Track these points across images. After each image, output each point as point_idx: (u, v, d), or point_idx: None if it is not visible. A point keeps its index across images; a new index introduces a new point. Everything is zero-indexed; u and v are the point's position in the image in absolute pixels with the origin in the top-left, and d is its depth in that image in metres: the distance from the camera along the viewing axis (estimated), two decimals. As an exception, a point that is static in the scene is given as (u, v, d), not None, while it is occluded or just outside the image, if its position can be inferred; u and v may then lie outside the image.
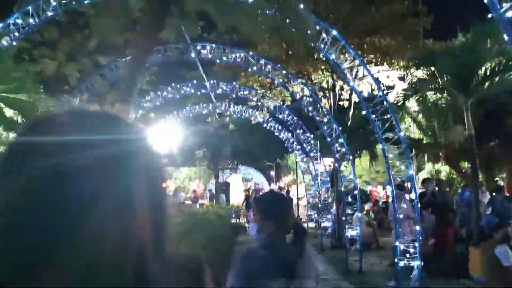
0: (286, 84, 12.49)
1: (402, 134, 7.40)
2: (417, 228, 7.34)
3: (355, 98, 13.06)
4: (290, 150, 18.24)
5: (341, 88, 14.81)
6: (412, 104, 13.83)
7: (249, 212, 17.56)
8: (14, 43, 6.84)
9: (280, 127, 17.00)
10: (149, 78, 15.32)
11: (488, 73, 9.34)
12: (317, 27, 7.48)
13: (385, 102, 7.37)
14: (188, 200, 18.29)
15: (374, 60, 13.48)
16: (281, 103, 15.33)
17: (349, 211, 10.48)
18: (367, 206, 16.67)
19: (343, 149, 10.29)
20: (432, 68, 9.88)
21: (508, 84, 9.53)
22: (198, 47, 10.71)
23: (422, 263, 7.05)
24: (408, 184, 9.25)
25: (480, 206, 9.64)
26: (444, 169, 17.50)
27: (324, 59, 11.41)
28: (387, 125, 7.29)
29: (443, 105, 12.52)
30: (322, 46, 7.55)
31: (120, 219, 0.56)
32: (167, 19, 7.53)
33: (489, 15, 3.62)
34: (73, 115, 0.64)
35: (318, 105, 11.33)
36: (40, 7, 6.84)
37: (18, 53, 11.63)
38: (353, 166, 10.41)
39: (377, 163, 17.13)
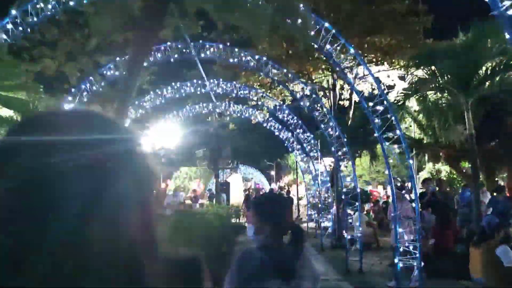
0: (286, 84, 12.48)
1: (402, 133, 7.38)
2: (417, 228, 7.33)
3: (355, 97, 13.04)
4: (290, 149, 18.23)
5: (342, 88, 14.81)
6: (413, 104, 13.84)
7: (249, 212, 17.54)
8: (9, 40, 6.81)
9: (280, 126, 16.99)
10: (149, 78, 15.33)
11: (488, 72, 9.32)
12: (317, 26, 7.46)
13: (385, 102, 7.35)
14: (188, 200, 18.26)
15: (374, 60, 13.48)
16: (281, 102, 15.32)
17: (349, 211, 10.47)
18: (367, 206, 16.65)
19: (343, 149, 10.28)
20: (433, 67, 9.88)
21: (509, 84, 9.51)
22: (198, 47, 10.69)
23: (422, 263, 7.03)
24: (408, 184, 9.24)
25: (480, 206, 9.62)
26: (444, 169, 17.49)
27: (324, 58, 11.40)
28: (387, 124, 7.27)
29: (444, 104, 12.51)
30: (322, 44, 7.54)
31: (108, 220, 0.55)
32: (167, 18, 7.52)
33: (490, 13, 3.59)
34: (61, 115, 0.64)
35: (319, 105, 11.31)
36: (39, 6, 6.82)
37: (18, 52, 11.66)
38: (353, 166, 10.40)
39: (377, 163, 17.11)
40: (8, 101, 5.27)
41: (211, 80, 13.75)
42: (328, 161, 14.84)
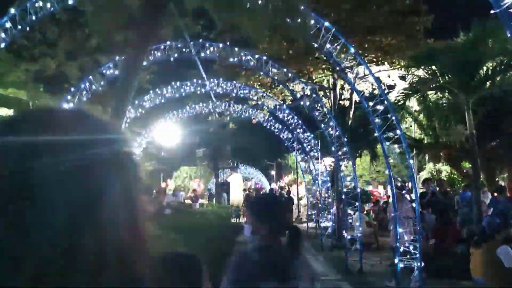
0: (287, 83, 12.45)
1: (402, 133, 7.36)
2: (418, 228, 7.30)
3: (355, 97, 13.01)
4: (290, 149, 18.22)
5: (342, 87, 14.78)
6: (413, 104, 13.83)
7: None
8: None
9: (280, 126, 16.97)
10: (149, 77, 15.32)
11: (489, 72, 9.30)
12: (317, 25, 7.44)
13: (385, 102, 7.33)
14: (188, 200, 18.25)
15: (375, 59, 13.45)
16: (282, 102, 15.30)
17: (349, 211, 10.45)
18: (367, 206, 16.64)
19: (344, 149, 10.25)
20: (433, 67, 9.85)
21: (510, 84, 9.49)
22: (198, 46, 10.67)
23: (423, 264, 7.01)
24: (408, 184, 9.22)
25: (481, 207, 9.60)
26: (445, 169, 17.47)
27: (324, 58, 11.37)
28: (387, 124, 7.25)
29: (444, 104, 12.49)
30: (322, 44, 7.51)
31: (97, 221, 0.54)
32: (167, 18, 7.50)
33: (492, 11, 3.57)
34: (50, 113, 0.63)
35: (319, 104, 11.28)
36: (37, 5, 6.80)
37: (18, 51, 11.65)
38: (354, 166, 10.37)
39: (377, 163, 17.09)
40: (7, 100, 5.26)
41: (211, 80, 13.73)
42: (328, 161, 14.82)
